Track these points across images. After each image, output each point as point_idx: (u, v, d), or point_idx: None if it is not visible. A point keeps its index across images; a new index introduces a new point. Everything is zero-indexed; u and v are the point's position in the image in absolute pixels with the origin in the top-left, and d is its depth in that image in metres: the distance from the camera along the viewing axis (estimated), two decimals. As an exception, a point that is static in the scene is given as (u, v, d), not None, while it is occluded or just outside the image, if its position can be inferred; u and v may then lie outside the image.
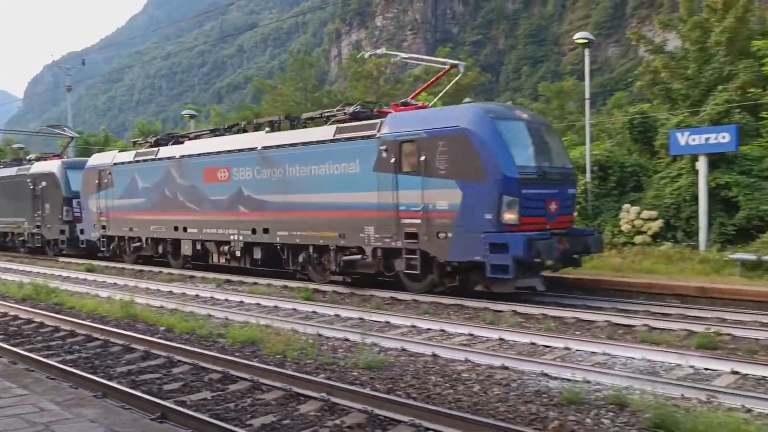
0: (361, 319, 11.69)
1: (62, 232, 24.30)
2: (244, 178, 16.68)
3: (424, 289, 13.66)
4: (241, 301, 14.04)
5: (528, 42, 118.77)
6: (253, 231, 16.49)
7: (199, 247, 18.48)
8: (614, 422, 6.21)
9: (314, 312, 12.55)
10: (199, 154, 18.25)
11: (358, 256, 14.25)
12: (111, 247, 21.94)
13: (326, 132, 14.98)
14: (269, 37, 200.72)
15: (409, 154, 13.12)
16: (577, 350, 9.01)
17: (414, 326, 10.92)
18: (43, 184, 25.29)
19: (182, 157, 18.79)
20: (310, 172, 15.08)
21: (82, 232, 23.21)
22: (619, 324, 10.55)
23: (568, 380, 7.44)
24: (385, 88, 40.60)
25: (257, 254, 16.74)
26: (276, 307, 13.25)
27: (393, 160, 13.28)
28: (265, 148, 16.21)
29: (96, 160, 23.09)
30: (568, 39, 78.11)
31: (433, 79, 17.54)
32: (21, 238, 27.47)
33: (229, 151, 17.30)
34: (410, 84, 42.98)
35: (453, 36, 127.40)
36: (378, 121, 14.08)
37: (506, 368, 8.06)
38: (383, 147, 13.48)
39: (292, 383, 7.32)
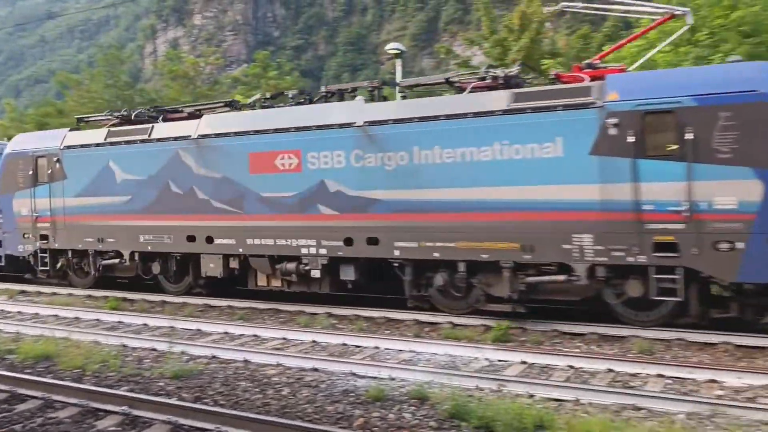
0: (171, 327, 11.30)
1: None
2: (331, 165, 11.89)
3: (662, 321, 9.83)
4: (37, 313, 12.98)
5: (348, 49, 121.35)
6: (348, 241, 11.86)
7: (235, 264, 13.16)
8: (414, 415, 6.56)
9: (120, 322, 11.93)
10: (237, 133, 12.86)
11: (560, 277, 10.10)
12: (58, 266, 15.66)
13: (494, 100, 10.59)
14: (76, 29, 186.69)
15: (660, 131, 9.42)
16: (385, 349, 9.39)
17: (227, 332, 10.76)
18: None
19: (203, 137, 13.25)
20: (464, 157, 10.66)
21: None
22: (426, 322, 11.11)
23: (375, 378, 7.76)
24: (203, 89, 39.43)
25: (349, 274, 11.91)
26: (77, 318, 12.40)
27: (631, 138, 9.42)
28: (370, 123, 11.47)
29: (25, 143, 16.38)
30: (385, 48, 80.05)
31: (650, 27, 12.60)
32: None
33: (298, 129, 12.21)
34: (228, 85, 42.14)
35: (274, 39, 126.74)
36: (593, 84, 10.05)
37: (316, 370, 8.22)
38: (611, 120, 9.55)
39: (89, 398, 6.92)
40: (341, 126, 11.73)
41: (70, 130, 15.78)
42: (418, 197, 11.05)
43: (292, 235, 12.22)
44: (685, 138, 9.13)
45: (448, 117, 10.81)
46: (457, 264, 10.80)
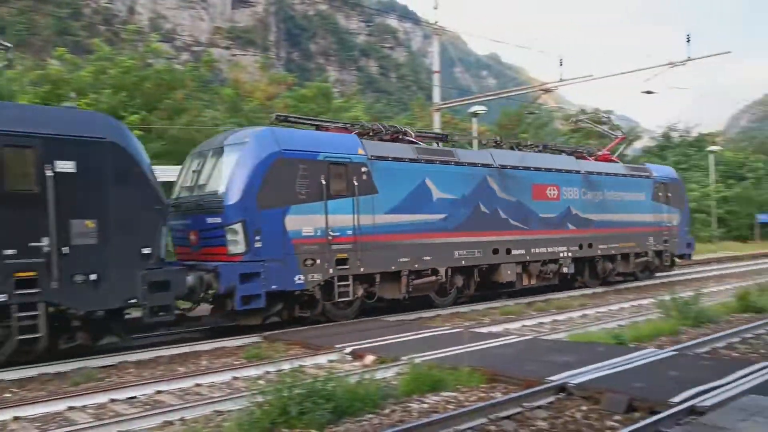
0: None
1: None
2: (572, 197, 18.65)
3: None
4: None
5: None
6: (580, 246, 18.62)
7: (518, 270, 17.17)
8: None
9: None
10: (525, 168, 17.58)
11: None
12: (357, 295, 13.80)
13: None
14: None
15: None
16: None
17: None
18: None
19: (502, 167, 16.93)
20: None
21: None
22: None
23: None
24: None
25: (570, 269, 18.37)
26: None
27: None
28: (589, 173, 19.43)
29: (302, 142, 13.38)
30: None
31: None
32: None
33: (558, 170, 18.49)
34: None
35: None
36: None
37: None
38: None
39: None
40: (576, 172, 19.00)
41: (365, 135, 15.09)
42: (607, 218, 19.39)
43: (554, 245, 17.81)
44: None
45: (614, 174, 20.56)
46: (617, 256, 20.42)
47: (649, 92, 22.64)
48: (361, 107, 35.63)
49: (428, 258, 14.71)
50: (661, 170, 23.37)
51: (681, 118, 58.52)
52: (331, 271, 12.92)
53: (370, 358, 9.76)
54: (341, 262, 13.13)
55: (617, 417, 6.85)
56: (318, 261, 12.78)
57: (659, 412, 6.52)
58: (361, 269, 13.49)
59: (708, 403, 6.48)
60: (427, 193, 14.90)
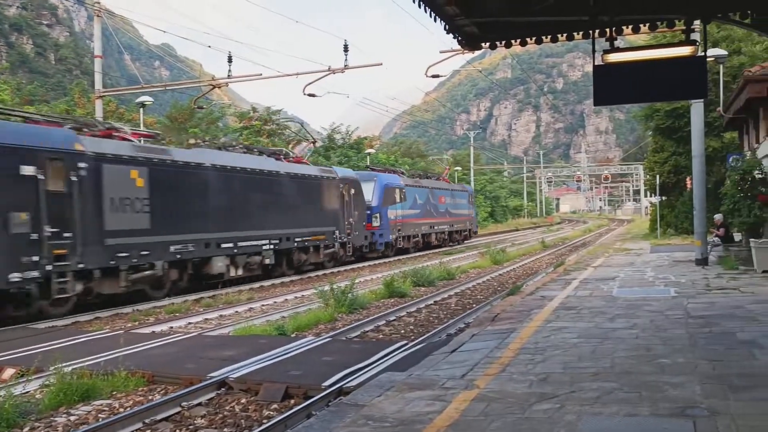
0: None
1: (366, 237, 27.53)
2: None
3: None
4: None
5: None
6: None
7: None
8: None
9: None
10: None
11: None
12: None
13: None
14: None
15: None
16: None
17: None
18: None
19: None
20: None
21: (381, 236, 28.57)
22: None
23: None
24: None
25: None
26: None
27: None
28: None
29: (387, 179, 30.91)
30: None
31: None
32: None
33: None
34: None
35: None
36: None
37: None
38: None
39: None
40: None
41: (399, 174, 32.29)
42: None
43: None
44: None
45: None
46: None
47: (312, 95, 23.95)
48: (8, 88, 31.33)
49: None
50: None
51: (343, 121, 63.10)
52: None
53: (9, 372, 8.65)
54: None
55: (275, 406, 7.11)
56: None
57: (312, 397, 6.95)
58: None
59: (353, 383, 7.09)
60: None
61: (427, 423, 5.08)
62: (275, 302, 16.15)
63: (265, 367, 8.27)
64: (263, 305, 15.65)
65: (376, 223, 28.70)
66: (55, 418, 6.85)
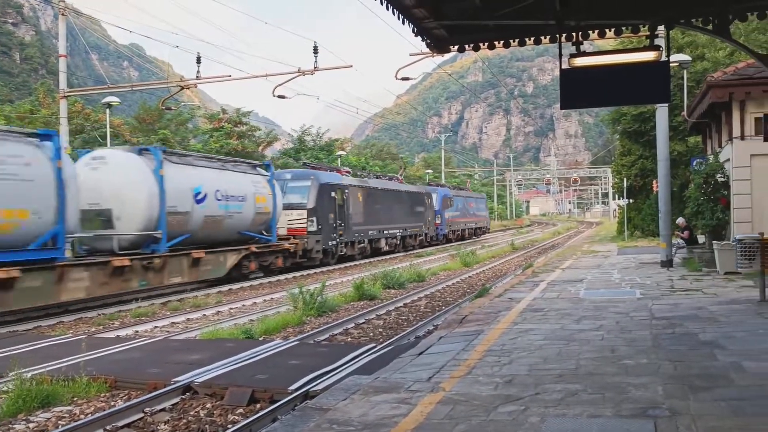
0: None
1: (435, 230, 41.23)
2: None
3: None
4: None
5: None
6: None
7: None
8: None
9: None
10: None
11: None
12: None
13: None
14: None
15: None
16: None
17: None
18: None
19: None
20: None
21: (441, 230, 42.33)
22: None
23: None
24: None
25: None
26: None
27: None
28: None
29: (444, 192, 44.93)
30: None
31: None
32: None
33: None
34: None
35: None
36: None
37: None
38: None
39: None
40: None
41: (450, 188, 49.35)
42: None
43: None
44: None
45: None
46: None
47: (282, 96, 23.83)
48: (-29, 87, 30.68)
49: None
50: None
51: (314, 123, 62.97)
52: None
53: (-34, 378, 8.42)
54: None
55: (240, 410, 7.03)
56: None
57: (278, 401, 6.89)
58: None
59: (320, 387, 7.04)
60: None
61: (392, 426, 5.07)
62: (244, 305, 16.01)
63: (231, 371, 8.18)
64: (231, 308, 15.49)
65: (438, 221, 42.23)
66: (14, 425, 6.69)
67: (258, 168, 22.94)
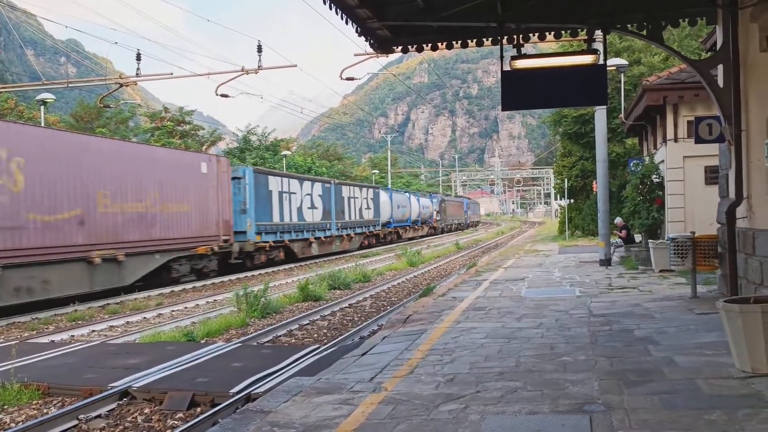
0: None
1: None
2: None
3: None
4: None
5: None
6: None
7: None
8: None
9: None
10: None
11: None
12: None
13: None
14: None
15: None
16: None
17: None
18: None
19: None
20: None
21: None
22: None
23: None
24: None
25: None
26: None
27: None
28: None
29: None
30: None
31: None
32: None
33: None
34: None
35: None
36: None
37: None
38: None
39: None
40: None
41: None
42: None
43: None
44: None
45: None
46: None
47: (224, 95, 23.49)
48: None
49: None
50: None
51: (260, 123, 62.30)
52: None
53: None
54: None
55: (180, 415, 6.90)
56: None
57: (219, 405, 6.78)
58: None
59: (262, 389, 6.96)
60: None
61: (334, 428, 5.04)
62: (186, 307, 15.71)
63: (171, 374, 8.02)
64: (173, 311, 15.19)
65: (437, 218, 60.37)
66: (-62, 436, 6.40)
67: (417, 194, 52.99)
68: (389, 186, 64.22)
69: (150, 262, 18.81)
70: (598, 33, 10.83)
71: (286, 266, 27.32)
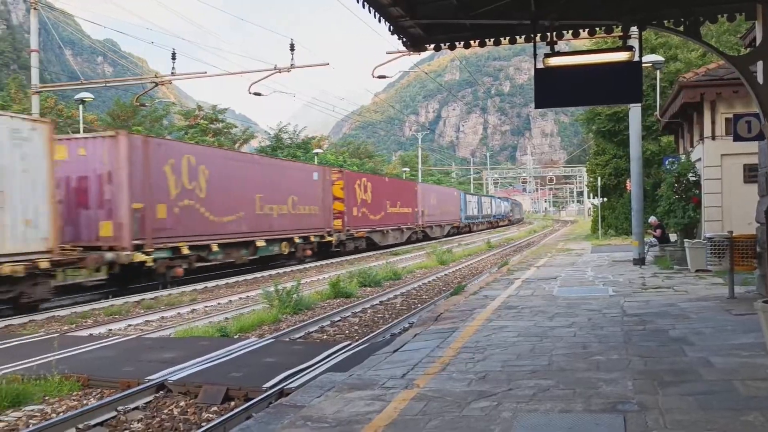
0: None
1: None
2: None
3: None
4: None
5: None
6: None
7: None
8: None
9: None
10: None
11: None
12: None
13: None
14: None
15: None
16: None
17: None
18: None
19: None
20: None
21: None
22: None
23: None
24: None
25: None
26: None
27: None
28: None
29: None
30: None
31: None
32: None
33: None
34: None
35: None
36: None
37: None
38: None
39: None
40: None
41: None
42: None
43: None
44: None
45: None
46: None
47: (257, 94, 23.73)
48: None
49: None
50: None
51: (292, 121, 62.68)
52: None
53: (-66, 379, 8.28)
54: None
55: (214, 408, 7.01)
56: None
57: (253, 399, 6.87)
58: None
59: (294, 384, 7.05)
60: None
61: (366, 423, 5.09)
62: (219, 303, 15.92)
63: (205, 369, 8.15)
64: (207, 306, 15.41)
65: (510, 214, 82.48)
66: (-17, 425, 6.61)
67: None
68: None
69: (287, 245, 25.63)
70: (634, 29, 10.70)
71: (318, 263, 27.48)
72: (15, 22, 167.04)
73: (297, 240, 25.82)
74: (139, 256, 16.98)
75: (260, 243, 23.07)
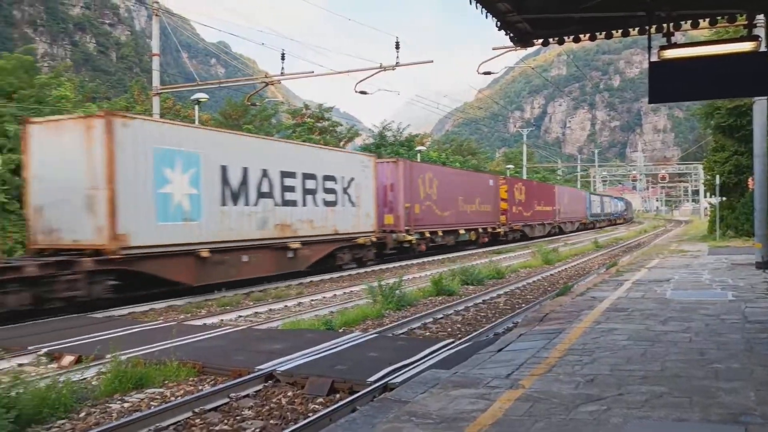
0: None
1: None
2: None
3: None
4: None
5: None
6: None
7: None
8: None
9: None
10: None
11: None
12: None
13: None
14: None
15: None
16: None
17: None
18: None
19: None
20: None
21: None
22: None
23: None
24: None
25: None
26: None
27: None
28: None
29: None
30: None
31: None
32: None
33: None
34: None
35: None
36: None
37: None
38: None
39: None
40: None
41: None
42: None
43: None
44: None
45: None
46: None
47: (363, 92, 24.10)
48: (71, 85, 32.25)
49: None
50: None
51: (395, 118, 63.16)
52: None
53: (68, 359, 8.98)
54: None
55: (320, 399, 7.20)
56: None
57: (357, 392, 7.00)
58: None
59: (398, 380, 7.12)
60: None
61: (471, 421, 5.07)
62: (324, 297, 16.30)
63: (311, 361, 8.37)
64: (312, 300, 15.82)
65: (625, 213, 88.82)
66: (110, 405, 7.08)
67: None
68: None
69: (474, 234, 34.49)
70: (760, 17, 10.05)
71: (419, 260, 27.56)
72: (137, 27, 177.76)
73: (480, 230, 34.34)
74: (407, 237, 26.13)
75: (461, 231, 32.04)
